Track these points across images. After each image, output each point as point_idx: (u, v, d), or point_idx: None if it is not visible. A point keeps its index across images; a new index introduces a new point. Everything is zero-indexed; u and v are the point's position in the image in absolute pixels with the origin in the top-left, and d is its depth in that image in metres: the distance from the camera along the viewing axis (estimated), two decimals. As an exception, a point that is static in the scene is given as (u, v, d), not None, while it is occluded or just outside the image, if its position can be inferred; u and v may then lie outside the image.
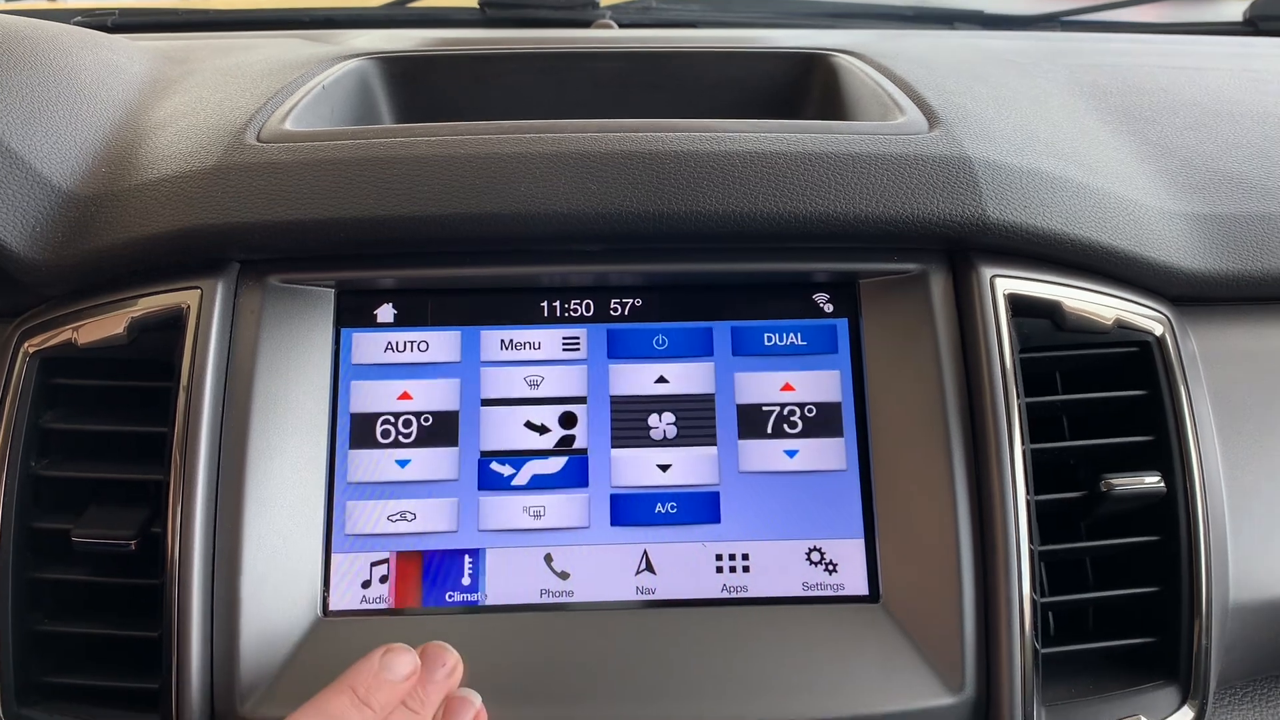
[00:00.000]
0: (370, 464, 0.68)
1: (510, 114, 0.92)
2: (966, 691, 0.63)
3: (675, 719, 0.62)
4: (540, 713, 0.62)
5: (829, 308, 0.71)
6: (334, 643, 0.64)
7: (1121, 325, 0.70)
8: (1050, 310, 0.69)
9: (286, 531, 0.65)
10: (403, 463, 0.68)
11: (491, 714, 0.62)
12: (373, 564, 0.67)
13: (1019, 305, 0.68)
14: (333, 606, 0.66)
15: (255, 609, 0.63)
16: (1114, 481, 0.66)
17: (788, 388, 0.70)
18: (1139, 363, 0.71)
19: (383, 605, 0.66)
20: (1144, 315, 0.71)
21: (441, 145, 0.68)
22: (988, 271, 0.68)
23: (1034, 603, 0.63)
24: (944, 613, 0.64)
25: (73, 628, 0.66)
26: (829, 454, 0.69)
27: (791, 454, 0.69)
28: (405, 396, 0.69)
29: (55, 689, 0.67)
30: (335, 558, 0.67)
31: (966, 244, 0.69)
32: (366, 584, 0.67)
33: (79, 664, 0.67)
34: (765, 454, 0.69)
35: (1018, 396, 0.66)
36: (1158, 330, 0.70)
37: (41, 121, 0.71)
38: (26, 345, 0.68)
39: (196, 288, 0.66)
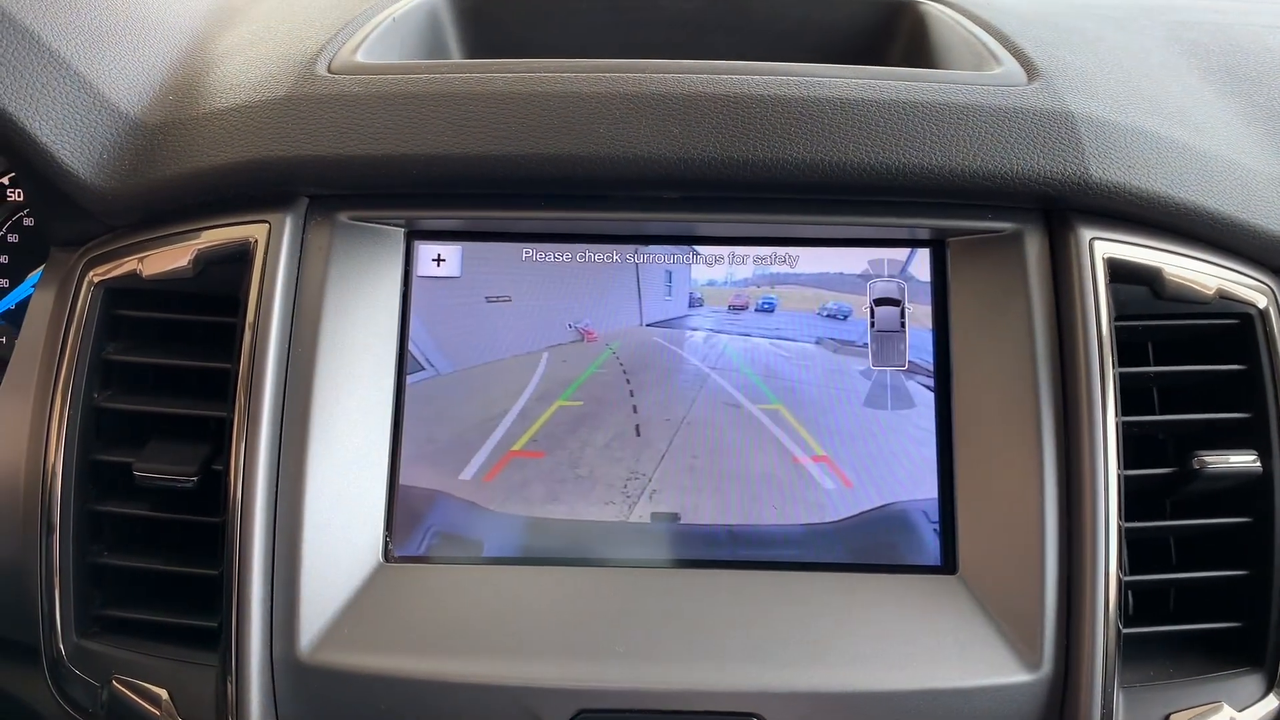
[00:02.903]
0: None
1: (582, 54, 0.89)
2: (1044, 669, 0.61)
3: (739, 683, 0.60)
4: (600, 670, 0.61)
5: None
6: (396, 590, 0.63)
7: (1223, 296, 0.66)
8: (1150, 277, 0.65)
9: (351, 475, 0.64)
10: None
11: (549, 671, 0.60)
12: (436, 511, 0.66)
13: (1117, 270, 0.65)
14: (395, 553, 0.65)
15: (317, 552, 0.62)
16: (1207, 459, 0.63)
17: None
18: (1238, 336, 0.67)
19: (445, 554, 0.65)
20: (1247, 286, 0.67)
21: (519, 82, 0.66)
22: (1087, 233, 0.65)
23: (1119, 581, 0.61)
24: (1024, 587, 0.62)
25: (133, 562, 0.66)
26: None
27: None
28: None
29: (114, 622, 0.66)
30: (399, 503, 0.65)
31: (1065, 204, 0.65)
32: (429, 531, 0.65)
33: (139, 599, 0.67)
34: None
35: (1113, 366, 0.63)
36: (1261, 302, 0.67)
37: (109, 47, 0.69)
38: (91, 275, 0.67)
39: (264, 221, 0.65)
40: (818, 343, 0.67)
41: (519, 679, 0.60)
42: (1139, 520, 0.64)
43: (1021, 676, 0.61)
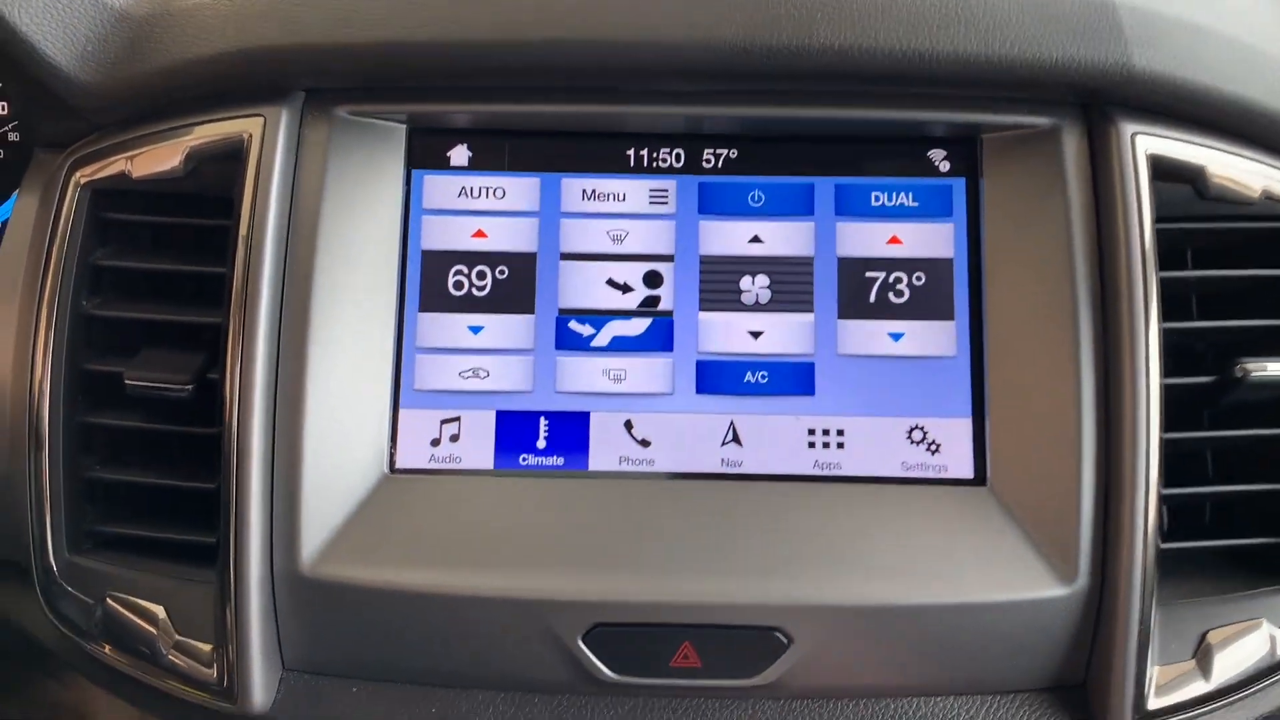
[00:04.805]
0: (441, 329, 0.63)
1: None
2: (1079, 583, 0.58)
3: (760, 597, 0.58)
4: (616, 584, 0.58)
5: (945, 165, 0.64)
6: (401, 501, 0.61)
7: (1269, 196, 0.63)
8: (1194, 175, 0.62)
9: (352, 383, 0.61)
10: (475, 329, 0.64)
11: (563, 583, 0.58)
12: (443, 421, 0.63)
13: (1160, 168, 0.61)
14: (400, 464, 0.62)
15: (318, 463, 0.60)
16: (1250, 366, 0.60)
17: (894, 240, 0.64)
18: None
19: (453, 465, 0.62)
20: None
21: None
22: (1128, 128, 0.61)
23: (1159, 494, 0.58)
24: (1059, 499, 0.59)
25: (127, 476, 0.63)
26: (938, 338, 0.63)
27: (896, 337, 0.63)
28: (480, 235, 0.64)
29: (108, 539, 0.64)
30: (403, 413, 0.63)
31: (1105, 96, 0.62)
32: (436, 442, 0.62)
33: (134, 515, 0.64)
34: (867, 336, 0.63)
35: (1156, 269, 0.60)
36: None
37: (92, -66, 0.65)
38: (78, 175, 0.64)
39: (259, 115, 0.61)
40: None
41: (532, 592, 0.58)
42: (1176, 431, 0.61)
43: (1056, 591, 0.58)
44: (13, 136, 0.80)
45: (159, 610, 0.60)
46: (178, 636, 0.60)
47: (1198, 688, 0.59)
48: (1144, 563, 0.58)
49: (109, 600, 0.61)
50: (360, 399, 0.62)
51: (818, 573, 0.58)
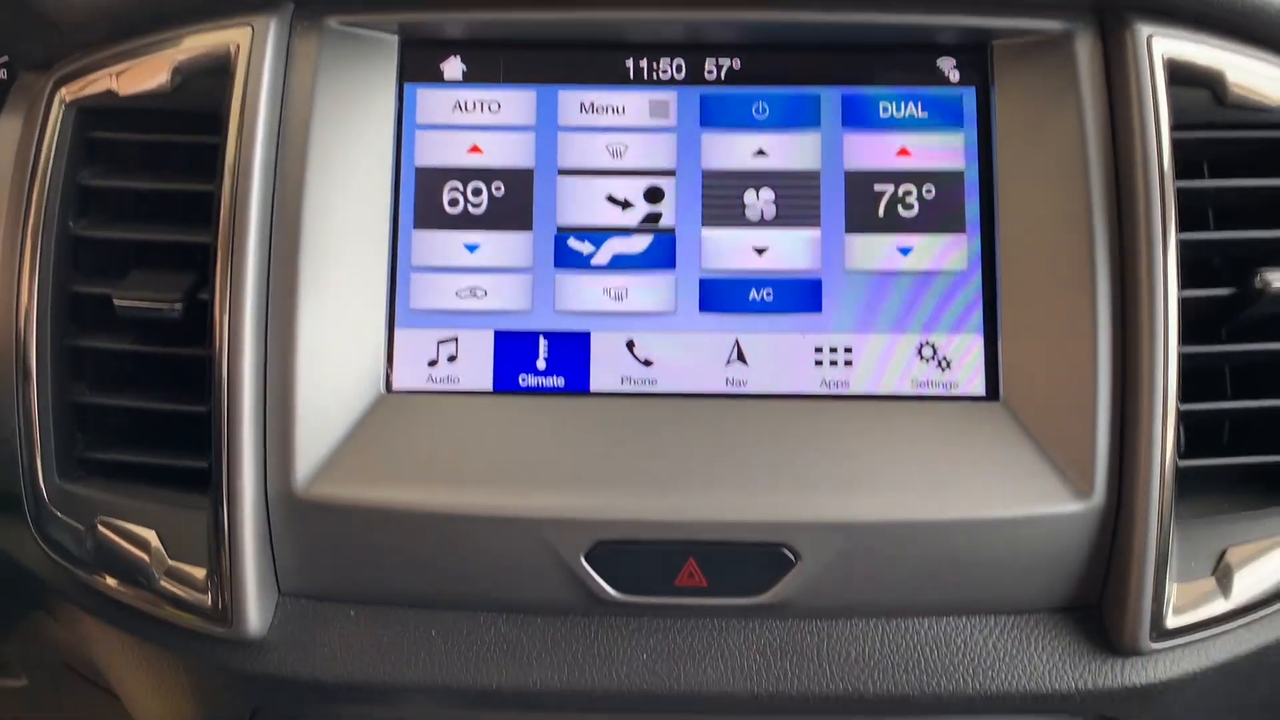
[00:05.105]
0: (437, 247, 0.62)
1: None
2: (1096, 498, 0.57)
3: (767, 513, 0.56)
4: (617, 502, 0.57)
5: (955, 75, 0.62)
6: (398, 422, 0.59)
7: None
8: (1212, 80, 0.60)
9: (346, 302, 0.60)
10: (472, 247, 0.62)
11: (565, 501, 0.56)
12: (440, 342, 0.61)
13: (1177, 73, 0.59)
14: (396, 385, 0.60)
15: (313, 383, 0.58)
16: (1270, 278, 0.58)
17: (903, 152, 0.62)
18: None
19: (450, 386, 0.61)
20: None
21: None
22: (1144, 30, 0.59)
23: (1177, 408, 0.56)
24: (1075, 413, 0.57)
25: (117, 400, 0.62)
26: (949, 252, 0.61)
27: (905, 251, 0.61)
28: (475, 150, 0.62)
29: (99, 465, 0.63)
30: (399, 333, 0.61)
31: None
32: (433, 363, 0.61)
33: (126, 441, 0.63)
34: (875, 250, 0.62)
35: (1173, 177, 0.58)
36: None
37: None
38: (63, 93, 0.62)
39: (246, 25, 0.59)
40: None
41: (533, 510, 0.56)
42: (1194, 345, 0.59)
43: (1071, 506, 0.57)
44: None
45: (151, 535, 0.59)
46: (170, 562, 0.58)
47: (1217, 606, 0.57)
48: (1162, 477, 0.56)
49: (100, 526, 0.59)
50: (355, 318, 0.60)
51: (826, 489, 0.57)
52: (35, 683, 0.81)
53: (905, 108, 0.62)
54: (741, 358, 0.61)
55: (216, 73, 0.60)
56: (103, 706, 0.76)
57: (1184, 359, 0.58)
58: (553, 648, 0.58)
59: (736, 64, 0.63)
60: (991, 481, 0.57)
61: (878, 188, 0.62)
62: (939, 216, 0.62)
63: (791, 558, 0.56)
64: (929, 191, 0.62)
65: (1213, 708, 0.61)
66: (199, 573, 0.58)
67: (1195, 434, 0.62)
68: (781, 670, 0.57)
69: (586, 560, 0.56)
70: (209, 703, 0.61)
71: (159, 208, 0.64)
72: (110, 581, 0.60)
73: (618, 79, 0.63)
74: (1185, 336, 0.58)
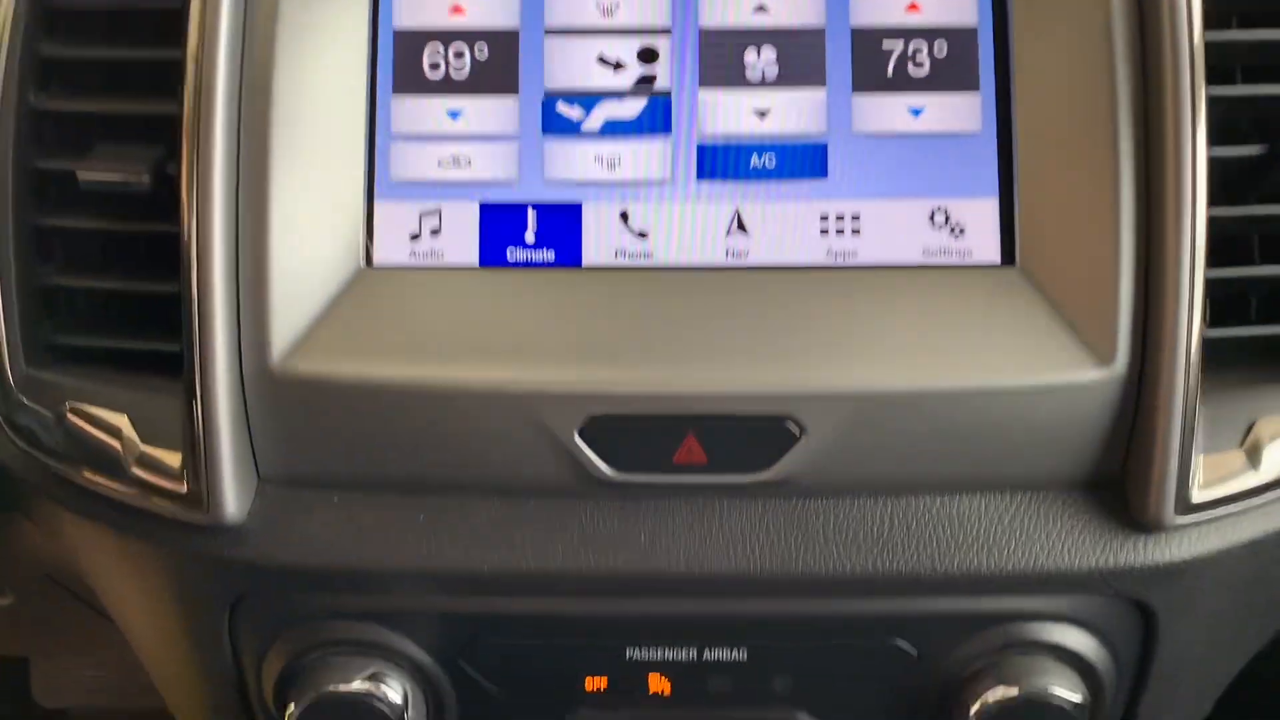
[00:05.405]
0: (417, 114, 0.58)
1: None
2: (1118, 365, 0.53)
3: (769, 384, 0.53)
4: (611, 375, 0.54)
5: (968, -79, 0.58)
6: (379, 297, 0.56)
7: None
8: None
9: (322, 172, 0.56)
10: (454, 113, 0.58)
11: (556, 375, 0.53)
12: (422, 215, 0.58)
13: None
14: (377, 259, 0.57)
15: (288, 257, 0.55)
16: None
17: (913, 8, 0.58)
18: None
19: (434, 261, 0.58)
20: None
21: None
22: None
23: (1204, 271, 0.53)
24: (1096, 277, 0.54)
25: (85, 281, 0.59)
26: (961, 112, 0.58)
27: (916, 112, 0.58)
28: (457, 10, 0.58)
29: (67, 350, 0.60)
30: (379, 205, 0.58)
31: None
32: (415, 236, 0.58)
33: (95, 326, 0.60)
34: (884, 111, 0.58)
35: (1202, 29, 0.54)
36: None
37: None
38: (17, -45, 0.58)
39: None
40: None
41: (523, 384, 0.53)
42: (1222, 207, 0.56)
43: (1092, 374, 0.53)
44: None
45: (123, 420, 0.56)
46: (144, 447, 0.56)
47: (1246, 479, 0.55)
48: (1188, 342, 0.53)
49: (69, 413, 0.57)
50: (331, 189, 0.57)
51: (832, 359, 0.54)
52: (20, 601, 0.79)
53: (915, -40, 0.58)
54: (742, 227, 0.58)
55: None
56: (90, 623, 0.74)
57: (1210, 224, 0.54)
58: (546, 529, 0.55)
59: None
60: (1007, 349, 0.54)
61: (886, 45, 0.58)
62: (952, 75, 0.58)
63: (796, 431, 0.53)
64: (940, 48, 0.58)
65: (1238, 588, 0.58)
66: (174, 458, 0.55)
67: (1220, 306, 0.59)
68: (786, 550, 0.55)
69: (580, 436, 0.53)
70: (190, 595, 0.59)
71: (126, 80, 0.60)
72: (84, 471, 0.57)
73: None
74: (1211, 200, 0.55)
